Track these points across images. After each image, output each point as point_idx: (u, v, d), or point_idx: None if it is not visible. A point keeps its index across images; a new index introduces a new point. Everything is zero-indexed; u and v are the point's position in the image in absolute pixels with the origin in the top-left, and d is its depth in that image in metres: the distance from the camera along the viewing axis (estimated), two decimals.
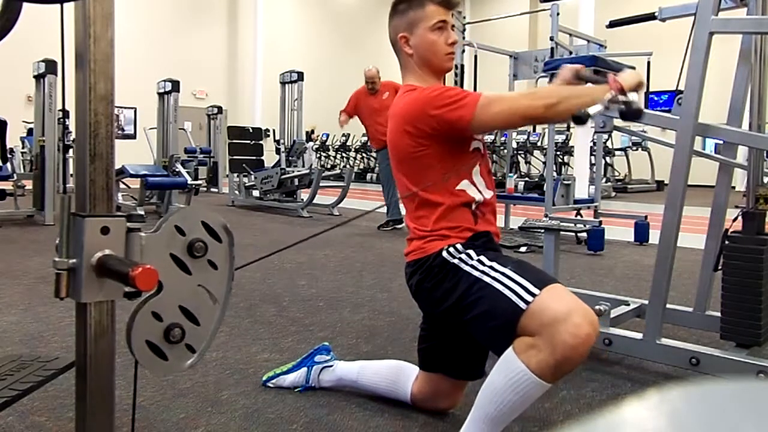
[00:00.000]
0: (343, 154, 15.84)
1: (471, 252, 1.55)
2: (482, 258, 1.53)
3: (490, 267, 1.50)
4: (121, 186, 7.98)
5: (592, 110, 1.43)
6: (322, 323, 2.75)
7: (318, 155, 15.22)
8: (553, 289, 1.40)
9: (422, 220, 1.64)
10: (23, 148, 10.11)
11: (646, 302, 2.19)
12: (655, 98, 10.89)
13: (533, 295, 1.38)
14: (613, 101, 1.45)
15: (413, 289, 1.67)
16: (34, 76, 6.19)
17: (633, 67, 2.45)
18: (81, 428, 0.97)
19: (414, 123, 1.59)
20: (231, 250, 1.03)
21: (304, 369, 1.95)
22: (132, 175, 6.76)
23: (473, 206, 1.63)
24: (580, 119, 1.43)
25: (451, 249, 1.57)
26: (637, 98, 1.48)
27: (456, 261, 1.55)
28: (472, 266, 1.52)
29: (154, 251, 0.96)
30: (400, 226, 6.15)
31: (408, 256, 1.68)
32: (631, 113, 1.48)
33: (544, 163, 6.01)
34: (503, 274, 1.46)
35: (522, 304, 1.38)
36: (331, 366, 1.94)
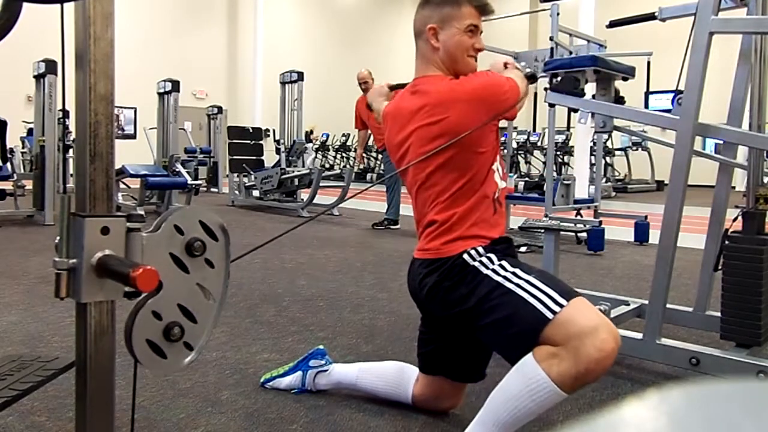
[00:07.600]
0: (343, 154, 15.84)
1: (492, 256, 1.53)
2: (504, 263, 1.52)
3: (513, 273, 1.48)
4: (121, 186, 7.98)
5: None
6: (322, 323, 2.75)
7: (318, 155, 15.23)
8: (579, 302, 1.40)
9: (446, 220, 1.58)
10: (23, 148, 10.09)
11: (646, 302, 2.19)
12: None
13: (560, 305, 1.38)
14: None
15: (427, 288, 1.60)
16: (34, 76, 6.19)
17: (633, 68, 2.47)
18: (81, 428, 0.97)
19: (456, 109, 1.55)
20: (227, 249, 1.03)
21: (300, 373, 1.94)
22: (132, 175, 6.76)
23: (496, 194, 1.64)
24: (535, 77, 1.75)
25: (472, 251, 1.55)
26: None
27: (476, 264, 1.53)
28: (493, 270, 1.51)
29: (153, 251, 0.96)
30: (394, 227, 6.14)
31: (422, 253, 1.63)
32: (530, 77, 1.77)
33: (544, 163, 6.02)
34: (527, 282, 1.45)
35: (549, 314, 1.38)
36: (326, 371, 1.93)
